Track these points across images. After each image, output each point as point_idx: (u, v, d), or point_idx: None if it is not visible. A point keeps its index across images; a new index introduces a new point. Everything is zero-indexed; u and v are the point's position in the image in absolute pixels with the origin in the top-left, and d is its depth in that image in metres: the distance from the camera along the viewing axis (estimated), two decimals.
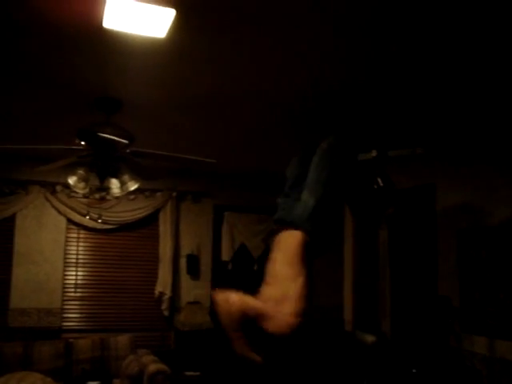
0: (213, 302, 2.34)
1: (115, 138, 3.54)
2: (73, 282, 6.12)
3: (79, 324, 6.11)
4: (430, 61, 3.06)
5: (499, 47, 2.83)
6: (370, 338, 4.59)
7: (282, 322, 2.42)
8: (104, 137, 3.54)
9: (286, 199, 2.97)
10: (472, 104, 3.76)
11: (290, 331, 2.40)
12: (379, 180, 3.59)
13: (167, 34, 2.70)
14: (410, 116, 4.09)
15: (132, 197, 6.13)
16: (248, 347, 2.39)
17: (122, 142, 3.63)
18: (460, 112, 3.94)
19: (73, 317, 6.10)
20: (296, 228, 2.49)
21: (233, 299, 2.42)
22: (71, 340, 5.51)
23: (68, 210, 6.06)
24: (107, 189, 4.24)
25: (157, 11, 2.48)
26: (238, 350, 2.38)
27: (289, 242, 2.27)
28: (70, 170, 4.25)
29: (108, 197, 5.28)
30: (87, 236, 6.23)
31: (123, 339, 5.66)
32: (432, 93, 3.58)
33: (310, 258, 2.62)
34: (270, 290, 2.57)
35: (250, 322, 2.41)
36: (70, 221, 6.11)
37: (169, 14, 2.50)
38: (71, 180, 3.99)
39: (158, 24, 2.60)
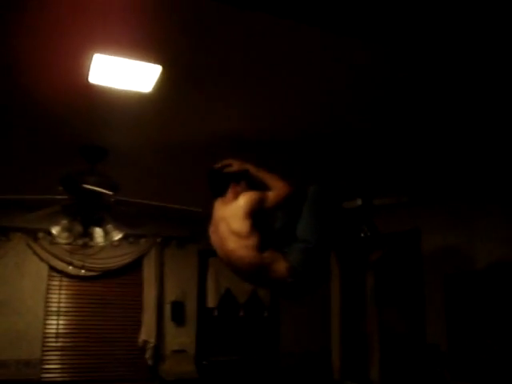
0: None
1: (100, 190, 3.51)
2: (54, 331, 5.95)
3: (60, 375, 5.90)
4: (414, 112, 3.13)
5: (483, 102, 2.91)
6: None
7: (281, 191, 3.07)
8: (88, 188, 3.51)
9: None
10: (454, 149, 3.82)
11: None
12: (365, 228, 3.60)
13: (153, 88, 2.73)
14: (393, 164, 4.13)
15: (116, 243, 6.03)
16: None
17: (107, 193, 3.59)
18: (442, 157, 3.99)
19: (53, 368, 5.90)
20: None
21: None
22: None
23: (50, 257, 5.94)
24: (91, 235, 4.18)
25: (143, 67, 2.50)
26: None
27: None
28: (53, 217, 4.19)
29: (91, 243, 5.20)
30: (69, 283, 6.10)
31: None
32: (415, 140, 3.63)
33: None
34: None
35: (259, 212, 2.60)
36: (52, 268, 5.99)
37: (155, 70, 2.52)
38: (55, 230, 3.93)
39: (143, 79, 2.63)
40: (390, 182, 4.59)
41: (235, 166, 2.96)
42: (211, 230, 3.02)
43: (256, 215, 2.68)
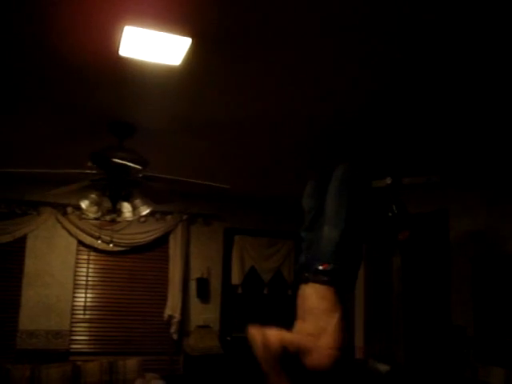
0: (249, 337, 2.24)
1: (129, 164, 3.53)
2: (82, 304, 6.09)
3: (87, 347, 6.06)
4: (445, 90, 3.05)
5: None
6: (383, 367, 4.50)
7: (322, 356, 2.38)
8: (117, 162, 3.53)
9: (308, 234, 2.89)
10: (487, 130, 3.73)
11: (330, 364, 2.36)
12: (394, 207, 3.55)
13: (182, 61, 2.71)
14: (423, 143, 4.06)
15: (143, 219, 6.12)
16: (287, 380, 2.34)
17: (136, 168, 3.62)
18: (474, 138, 3.90)
19: (81, 339, 6.06)
20: (325, 275, 2.40)
21: (271, 334, 2.38)
22: (79, 363, 5.45)
23: (79, 232, 6.06)
24: (119, 211, 4.23)
25: (172, 40, 2.49)
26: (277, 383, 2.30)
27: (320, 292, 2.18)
28: (82, 192, 4.25)
29: (119, 219, 5.27)
30: (97, 258, 6.22)
31: (131, 363, 5.59)
32: (446, 120, 3.55)
33: (343, 294, 2.56)
34: (306, 325, 2.52)
35: (289, 357, 2.36)
36: (80, 242, 6.11)
37: (184, 43, 2.51)
38: (83, 204, 3.98)
39: (173, 52, 2.62)
40: (419, 162, 4.51)
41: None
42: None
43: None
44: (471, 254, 4.85)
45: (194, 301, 6.46)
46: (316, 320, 2.33)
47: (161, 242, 6.43)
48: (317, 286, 2.39)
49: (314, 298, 2.40)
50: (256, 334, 2.30)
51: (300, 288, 2.49)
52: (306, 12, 2.25)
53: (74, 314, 6.03)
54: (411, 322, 5.45)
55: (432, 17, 2.23)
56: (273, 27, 2.40)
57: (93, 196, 4.00)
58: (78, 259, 6.13)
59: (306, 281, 2.44)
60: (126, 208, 4.08)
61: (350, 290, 2.59)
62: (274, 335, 2.29)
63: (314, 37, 2.48)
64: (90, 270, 6.18)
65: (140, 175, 3.90)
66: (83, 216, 5.91)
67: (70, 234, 6.05)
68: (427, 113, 3.44)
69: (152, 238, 6.34)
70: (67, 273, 6.03)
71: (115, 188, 3.94)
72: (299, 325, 2.47)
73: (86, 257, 6.17)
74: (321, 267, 2.35)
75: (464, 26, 2.31)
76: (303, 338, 2.32)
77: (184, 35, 2.46)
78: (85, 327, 6.09)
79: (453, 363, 4.77)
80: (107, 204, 4.14)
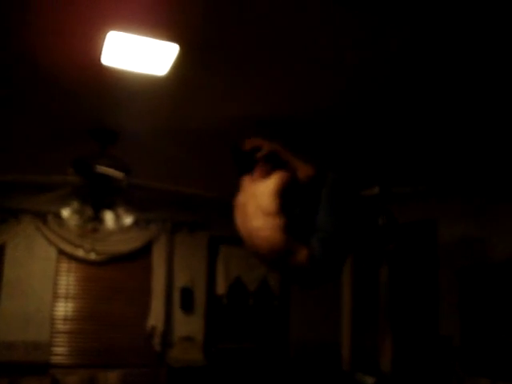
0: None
1: (112, 172, 3.44)
2: (62, 314, 5.94)
3: (68, 359, 5.89)
4: (433, 100, 3.03)
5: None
6: (369, 380, 4.45)
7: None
8: (100, 170, 3.44)
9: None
10: (475, 140, 3.72)
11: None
12: (383, 217, 3.51)
13: (168, 70, 2.63)
14: (411, 152, 4.05)
15: (125, 227, 6.00)
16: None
17: (118, 175, 3.53)
18: (461, 148, 3.90)
19: (61, 351, 5.89)
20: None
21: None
22: (59, 376, 5.31)
23: (59, 240, 5.91)
24: (101, 220, 4.13)
25: (159, 46, 2.39)
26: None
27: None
28: (63, 199, 4.15)
29: (101, 227, 5.16)
30: (78, 267, 6.07)
31: (113, 376, 5.47)
32: (434, 129, 3.54)
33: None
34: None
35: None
36: (61, 251, 5.96)
37: (171, 50, 2.41)
38: (65, 212, 3.88)
39: (159, 60, 2.51)
40: (407, 171, 4.50)
41: (265, 148, 3.01)
42: (236, 207, 3.02)
43: (284, 196, 2.68)
44: (458, 263, 4.84)
45: (177, 311, 6.33)
46: None
47: (144, 251, 6.30)
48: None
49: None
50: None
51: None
52: (292, 22, 2.20)
53: (53, 324, 5.87)
54: (398, 333, 5.41)
55: (431, 19, 2.20)
56: (258, 37, 2.35)
57: (74, 204, 3.90)
58: (58, 268, 5.97)
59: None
60: (109, 216, 3.99)
61: (330, 279, 2.80)
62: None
63: (299, 47, 2.44)
64: (71, 280, 6.02)
65: (123, 183, 3.81)
66: (64, 224, 5.77)
67: (51, 242, 5.90)
68: (416, 122, 3.43)
69: (135, 246, 6.21)
70: (47, 282, 5.87)
71: (97, 196, 3.85)
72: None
73: (66, 266, 6.02)
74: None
75: (453, 31, 2.28)
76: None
77: (171, 41, 2.37)
78: (65, 339, 5.93)
79: (439, 374, 4.74)
80: (89, 212, 4.04)
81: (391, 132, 3.63)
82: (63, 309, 5.94)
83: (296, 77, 2.82)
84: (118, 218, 4.00)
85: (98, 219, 4.11)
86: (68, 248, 5.93)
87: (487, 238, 4.60)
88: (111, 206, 3.99)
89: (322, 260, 2.57)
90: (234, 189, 3.16)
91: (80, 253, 5.93)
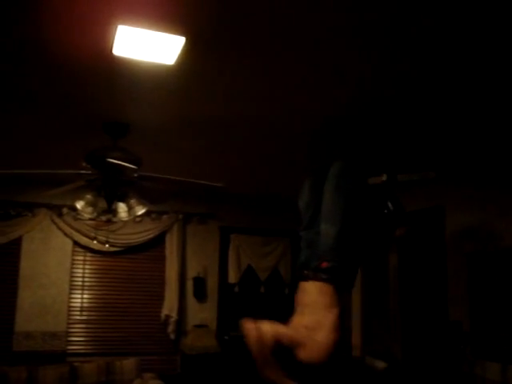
0: (243, 331, 2.25)
1: (124, 164, 3.51)
2: (78, 304, 6.08)
3: (84, 347, 6.04)
4: (440, 85, 3.05)
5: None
6: (380, 364, 4.51)
7: (314, 350, 2.35)
8: (112, 162, 3.52)
9: (307, 232, 2.86)
10: (483, 126, 3.73)
11: (323, 358, 2.32)
12: (389, 204, 3.54)
13: (176, 60, 2.70)
14: (418, 139, 4.06)
15: (138, 219, 6.10)
16: (282, 373, 2.31)
17: (130, 168, 3.60)
18: (469, 134, 3.91)
19: (78, 340, 6.04)
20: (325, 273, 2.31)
21: (265, 328, 2.36)
22: (76, 364, 5.43)
23: (74, 233, 6.04)
24: (114, 211, 4.21)
25: (166, 39, 2.48)
26: (271, 377, 2.30)
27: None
28: (77, 192, 4.23)
29: (114, 219, 5.26)
30: (93, 258, 6.20)
31: (129, 363, 5.57)
32: (441, 116, 3.55)
33: (342, 292, 2.51)
34: (303, 318, 2.48)
35: (283, 349, 2.32)
36: (76, 243, 6.08)
37: (178, 42, 2.50)
38: (79, 205, 3.97)
39: (167, 51, 2.61)
40: (415, 158, 4.51)
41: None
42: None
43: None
44: (467, 249, 4.86)
45: (190, 300, 6.45)
46: (313, 314, 2.31)
47: (157, 242, 6.42)
48: (317, 283, 2.38)
49: (313, 292, 2.38)
50: (250, 327, 2.29)
51: (300, 285, 2.49)
52: (301, 14, 2.24)
53: (70, 315, 6.01)
54: (408, 319, 5.46)
55: (430, 21, 2.23)
56: (266, 28, 2.39)
57: (88, 196, 3.99)
58: (73, 260, 6.11)
59: (306, 279, 2.43)
60: (122, 208, 4.07)
61: (349, 287, 2.58)
62: (268, 328, 2.29)
63: (308, 39, 2.48)
64: (86, 271, 6.16)
65: (135, 175, 3.89)
66: (78, 216, 5.89)
67: (66, 234, 6.03)
68: (423, 109, 3.44)
69: (148, 237, 6.32)
70: (63, 274, 6.01)
71: (110, 188, 3.93)
72: (296, 318, 2.46)
73: (81, 257, 6.15)
74: (320, 265, 2.33)
75: (459, 28, 2.31)
76: (297, 332, 2.31)
77: (178, 34, 2.45)
78: (81, 328, 6.07)
79: (450, 359, 4.78)
80: (102, 204, 4.13)
81: (397, 120, 3.64)
82: (79, 299, 6.08)
83: (303, 68, 2.85)
84: (130, 209, 4.08)
85: (111, 211, 4.19)
86: (83, 240, 6.06)
87: (495, 224, 4.61)
88: (124, 198, 4.06)
89: (337, 262, 2.35)
90: (243, 180, 3.17)
91: (94, 244, 6.04)
